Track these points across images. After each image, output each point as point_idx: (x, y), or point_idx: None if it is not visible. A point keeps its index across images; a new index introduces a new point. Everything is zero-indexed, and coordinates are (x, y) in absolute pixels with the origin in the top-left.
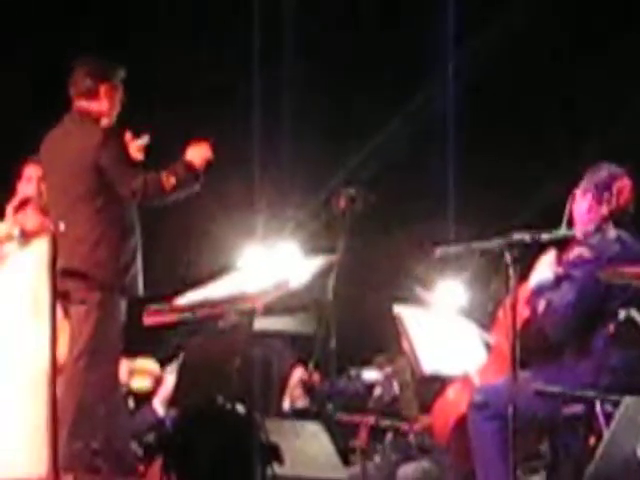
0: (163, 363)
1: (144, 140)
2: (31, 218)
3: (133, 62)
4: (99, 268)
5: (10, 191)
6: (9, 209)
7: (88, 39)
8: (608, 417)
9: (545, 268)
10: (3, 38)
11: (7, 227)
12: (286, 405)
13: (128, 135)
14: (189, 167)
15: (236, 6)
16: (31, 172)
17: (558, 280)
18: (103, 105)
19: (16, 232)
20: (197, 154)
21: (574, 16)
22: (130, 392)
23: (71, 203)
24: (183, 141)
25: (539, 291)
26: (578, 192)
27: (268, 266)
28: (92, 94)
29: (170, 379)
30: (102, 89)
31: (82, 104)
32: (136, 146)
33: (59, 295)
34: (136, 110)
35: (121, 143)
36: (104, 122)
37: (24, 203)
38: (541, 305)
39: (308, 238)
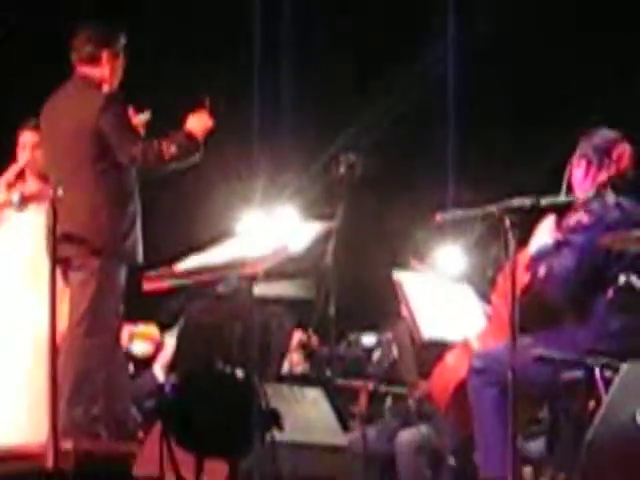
0: (163, 328)
1: (146, 115)
2: (30, 186)
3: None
4: (99, 234)
5: (11, 157)
6: (1, 183)
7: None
8: (607, 382)
9: (545, 233)
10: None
11: (4, 194)
12: (285, 370)
13: (130, 110)
14: (189, 136)
15: None
16: (26, 139)
17: (557, 245)
18: (105, 71)
19: (15, 198)
20: (198, 123)
21: None
22: (130, 357)
23: (71, 168)
24: (182, 106)
25: (539, 256)
26: (575, 158)
27: (267, 231)
28: (94, 60)
29: (170, 344)
30: (104, 55)
31: (84, 70)
32: (138, 121)
33: (58, 261)
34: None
35: (122, 109)
36: (105, 88)
37: (20, 175)
38: (541, 270)
39: (307, 204)
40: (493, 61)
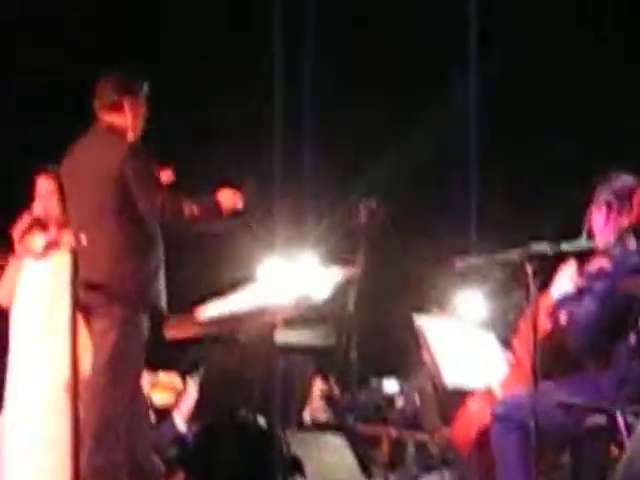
0: (184, 376)
1: (168, 177)
2: (51, 234)
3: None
4: (122, 282)
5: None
6: (16, 234)
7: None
8: (630, 428)
9: (566, 280)
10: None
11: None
12: (307, 418)
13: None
14: (216, 206)
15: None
16: (42, 186)
17: (580, 292)
18: (127, 119)
19: (39, 245)
20: (229, 199)
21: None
22: (152, 406)
23: (94, 216)
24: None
25: (561, 303)
26: (596, 203)
27: (289, 278)
28: (116, 107)
29: (192, 394)
30: (126, 102)
31: (106, 118)
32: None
33: (81, 309)
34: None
35: (147, 158)
36: (129, 136)
37: (33, 225)
38: (563, 317)
39: (328, 250)
40: (509, 109)
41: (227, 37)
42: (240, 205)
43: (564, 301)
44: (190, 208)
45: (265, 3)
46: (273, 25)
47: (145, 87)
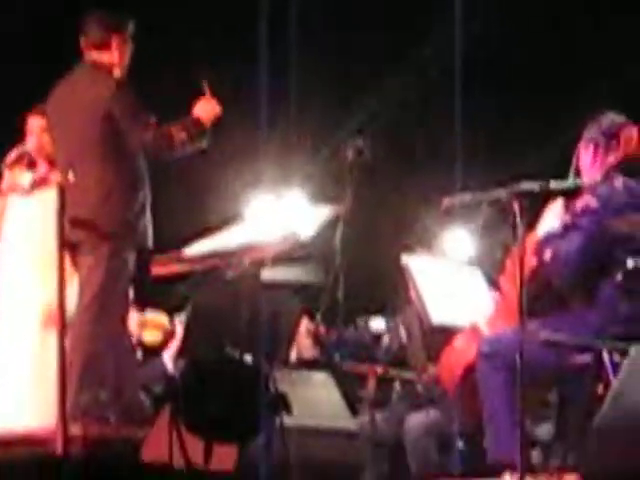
0: (171, 313)
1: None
2: (41, 170)
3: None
4: (109, 218)
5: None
6: (4, 165)
7: None
8: (616, 366)
9: (552, 217)
10: None
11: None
12: (294, 355)
13: None
14: (198, 123)
15: None
16: (34, 124)
17: (565, 229)
18: (114, 56)
19: (26, 182)
20: (206, 110)
21: None
22: (140, 344)
23: (81, 153)
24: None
25: (546, 240)
26: (583, 142)
27: (276, 216)
28: (104, 45)
29: (180, 332)
30: (114, 40)
31: (93, 55)
32: None
33: (68, 246)
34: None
35: (134, 95)
36: (116, 73)
37: (20, 158)
38: (548, 253)
39: (315, 188)
40: (500, 46)
41: None
42: (218, 109)
43: (550, 237)
44: (178, 135)
45: None
46: None
47: (131, 25)
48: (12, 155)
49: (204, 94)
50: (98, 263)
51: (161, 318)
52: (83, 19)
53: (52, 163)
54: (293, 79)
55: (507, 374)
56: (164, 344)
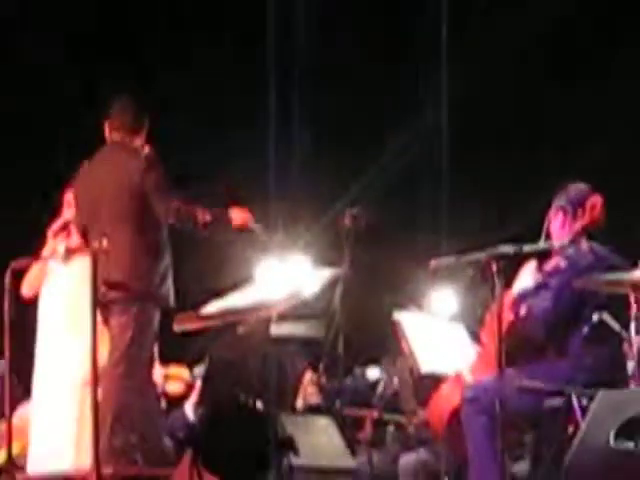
0: (191, 366)
1: (245, 219)
2: (74, 240)
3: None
4: (138, 281)
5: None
6: (50, 232)
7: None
8: (584, 410)
9: (527, 277)
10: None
11: (51, 246)
12: (299, 403)
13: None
14: (227, 220)
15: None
16: (70, 197)
17: (538, 287)
18: (142, 139)
19: (61, 249)
20: (241, 218)
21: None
22: (164, 395)
23: (113, 222)
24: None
25: (521, 297)
26: (553, 209)
27: (282, 277)
28: (137, 129)
29: (199, 384)
30: (145, 126)
31: (124, 137)
32: None
33: (100, 306)
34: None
35: (162, 171)
36: (145, 150)
37: (65, 227)
38: (523, 310)
39: (317, 253)
40: (481, 122)
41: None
42: (250, 225)
43: (524, 295)
44: (203, 216)
45: None
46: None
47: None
48: (58, 224)
49: (241, 204)
50: (128, 322)
51: (182, 371)
52: (112, 105)
53: (82, 233)
54: (297, 158)
55: (488, 417)
56: (185, 394)
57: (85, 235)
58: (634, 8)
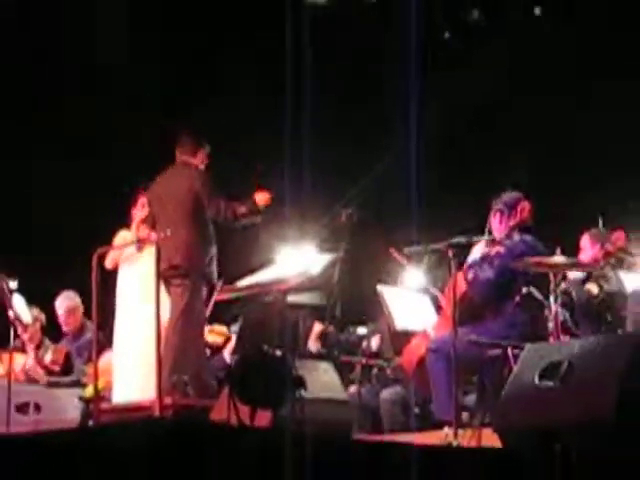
0: (228, 324)
1: (265, 199)
2: (143, 232)
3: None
4: (191, 263)
5: (126, 213)
6: (137, 221)
7: None
8: (516, 358)
9: (476, 252)
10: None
11: (131, 235)
12: (308, 350)
13: None
14: (255, 205)
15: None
16: (144, 200)
17: (482, 259)
18: (200, 160)
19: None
20: (261, 199)
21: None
22: (208, 345)
23: (176, 220)
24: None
25: (470, 266)
26: (493, 211)
27: (295, 260)
28: (195, 153)
29: (234, 338)
30: (201, 151)
31: (187, 158)
32: None
33: (164, 280)
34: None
35: (212, 182)
36: (200, 168)
37: (144, 220)
38: (470, 274)
39: (321, 242)
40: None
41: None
42: (269, 201)
43: (473, 264)
44: (239, 210)
45: None
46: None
47: (208, 146)
48: (141, 216)
49: (261, 187)
50: (183, 292)
51: (222, 328)
52: (179, 134)
53: (152, 227)
54: (307, 169)
55: (446, 363)
56: (224, 345)
57: (154, 228)
58: None
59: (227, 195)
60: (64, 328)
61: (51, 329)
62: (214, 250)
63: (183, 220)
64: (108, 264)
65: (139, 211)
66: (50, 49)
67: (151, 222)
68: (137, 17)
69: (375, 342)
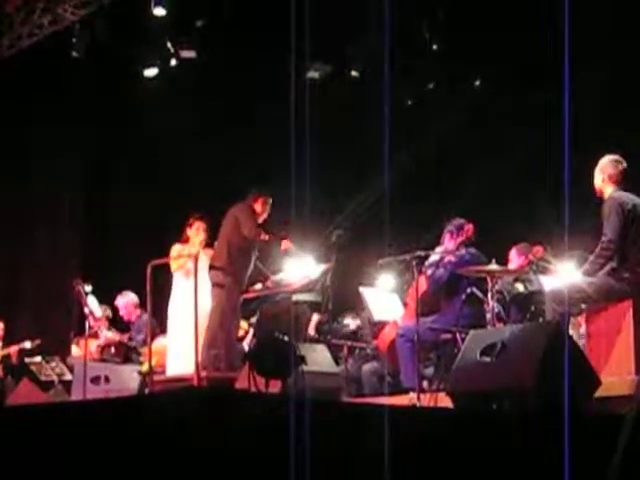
0: (248, 318)
1: (287, 244)
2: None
3: None
4: (229, 272)
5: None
6: (195, 241)
7: None
8: (463, 340)
9: (434, 256)
10: None
11: (187, 249)
12: (308, 335)
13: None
14: (278, 244)
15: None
16: (200, 225)
17: (438, 262)
18: (258, 206)
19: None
20: (285, 245)
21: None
22: None
23: (225, 241)
24: None
25: (429, 265)
26: (445, 232)
27: (299, 269)
28: (255, 201)
29: (251, 330)
30: (260, 201)
31: (247, 200)
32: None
33: (213, 284)
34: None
35: (251, 212)
36: (253, 206)
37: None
38: (428, 272)
39: (318, 255)
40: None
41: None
42: (289, 249)
43: (431, 264)
44: (264, 236)
45: None
46: None
47: (269, 199)
48: (200, 240)
49: (288, 237)
50: (221, 292)
51: (243, 323)
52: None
53: (210, 245)
54: (308, 204)
55: (411, 344)
56: (244, 337)
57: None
58: None
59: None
60: (125, 317)
61: (115, 321)
62: (248, 261)
63: (227, 242)
64: (173, 268)
65: (194, 235)
66: None
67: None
68: None
69: (358, 329)
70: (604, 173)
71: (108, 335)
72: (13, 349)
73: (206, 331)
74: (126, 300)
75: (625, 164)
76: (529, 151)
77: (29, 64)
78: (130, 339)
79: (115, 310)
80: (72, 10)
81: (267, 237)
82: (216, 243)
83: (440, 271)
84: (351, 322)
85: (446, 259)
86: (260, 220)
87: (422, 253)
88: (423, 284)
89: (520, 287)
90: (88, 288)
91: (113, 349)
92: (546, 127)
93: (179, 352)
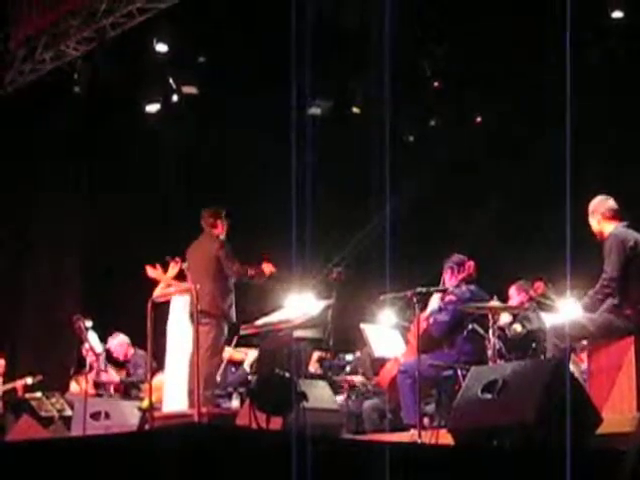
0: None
1: (270, 268)
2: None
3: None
4: (215, 308)
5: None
6: (168, 277)
7: None
8: (464, 377)
9: (434, 303)
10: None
11: (165, 281)
12: (308, 372)
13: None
14: (261, 270)
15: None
16: (172, 264)
17: (440, 309)
18: (219, 231)
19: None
20: (267, 268)
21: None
22: (234, 361)
23: (202, 277)
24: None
25: (431, 314)
26: (445, 268)
27: (299, 305)
28: (214, 225)
29: (251, 356)
30: (219, 223)
31: (209, 230)
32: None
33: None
34: None
35: (229, 249)
36: (220, 237)
37: (179, 275)
38: (430, 320)
39: (318, 292)
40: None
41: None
42: (273, 272)
43: (432, 312)
44: (249, 272)
45: None
46: None
47: (224, 213)
48: (175, 270)
49: (268, 259)
50: (210, 330)
51: (243, 349)
52: (202, 213)
53: (186, 280)
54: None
55: (412, 381)
56: (243, 361)
57: (190, 281)
58: None
59: (240, 261)
60: (120, 357)
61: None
62: (232, 298)
63: (207, 277)
64: (156, 294)
65: (171, 268)
66: None
67: (188, 277)
68: None
69: (359, 366)
70: (597, 214)
71: (111, 373)
72: (19, 384)
73: (200, 369)
74: (118, 341)
75: (612, 199)
76: (532, 186)
77: (31, 99)
78: (128, 375)
79: (108, 352)
80: (74, 46)
81: (253, 272)
82: (192, 282)
83: (443, 315)
84: (352, 359)
85: (447, 299)
86: (223, 237)
87: (423, 290)
88: (424, 322)
89: (518, 327)
90: (88, 323)
91: (112, 389)
92: (546, 164)
93: (175, 388)
